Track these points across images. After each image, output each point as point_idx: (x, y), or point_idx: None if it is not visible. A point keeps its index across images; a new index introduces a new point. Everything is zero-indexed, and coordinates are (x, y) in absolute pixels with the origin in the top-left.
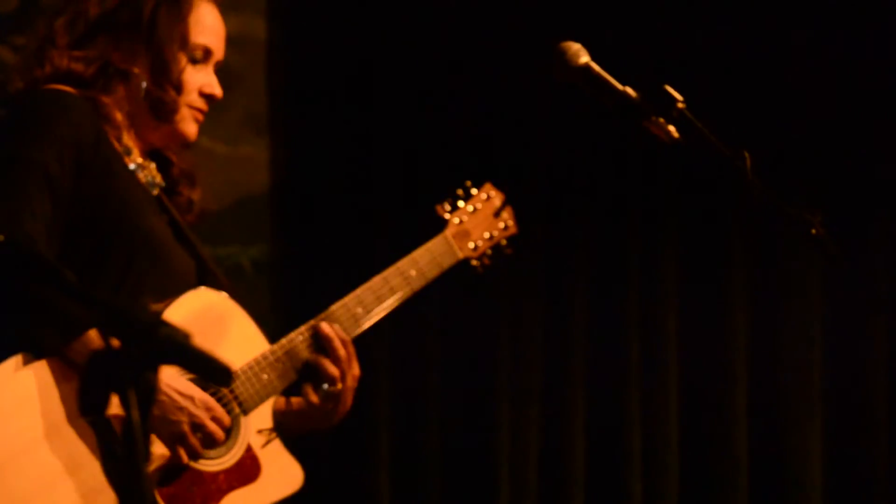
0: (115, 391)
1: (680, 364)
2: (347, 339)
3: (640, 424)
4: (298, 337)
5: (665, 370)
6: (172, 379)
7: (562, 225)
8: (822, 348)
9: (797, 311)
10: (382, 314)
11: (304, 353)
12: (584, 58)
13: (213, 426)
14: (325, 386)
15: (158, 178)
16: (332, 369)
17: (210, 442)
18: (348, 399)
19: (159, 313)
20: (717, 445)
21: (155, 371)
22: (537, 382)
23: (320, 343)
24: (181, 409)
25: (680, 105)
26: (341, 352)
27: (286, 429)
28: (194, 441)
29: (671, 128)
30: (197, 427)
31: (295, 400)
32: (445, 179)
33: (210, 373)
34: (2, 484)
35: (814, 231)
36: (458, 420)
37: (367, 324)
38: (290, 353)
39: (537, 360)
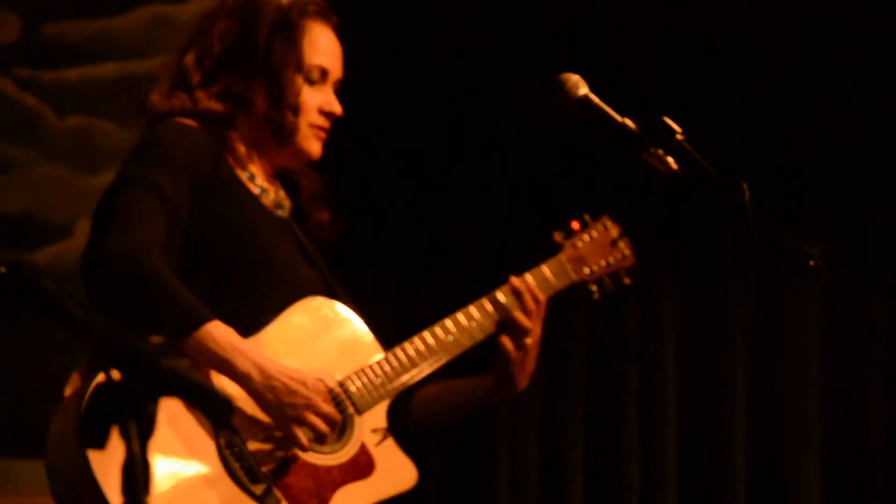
0: (116, 423)
1: (678, 396)
2: (541, 297)
3: (640, 456)
4: (442, 329)
5: (663, 402)
6: (283, 366)
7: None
8: (820, 377)
9: (795, 340)
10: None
11: (478, 329)
12: (583, 89)
13: (327, 408)
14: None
15: (286, 201)
16: (524, 321)
17: (328, 422)
18: (532, 362)
19: (160, 345)
20: (715, 462)
21: (155, 403)
22: (535, 416)
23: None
24: (294, 392)
25: (679, 136)
26: (531, 305)
27: (466, 411)
28: (313, 420)
29: (670, 159)
30: (312, 408)
31: (471, 380)
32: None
33: (211, 405)
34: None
35: (812, 263)
36: (458, 446)
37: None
38: (410, 357)
39: (536, 396)
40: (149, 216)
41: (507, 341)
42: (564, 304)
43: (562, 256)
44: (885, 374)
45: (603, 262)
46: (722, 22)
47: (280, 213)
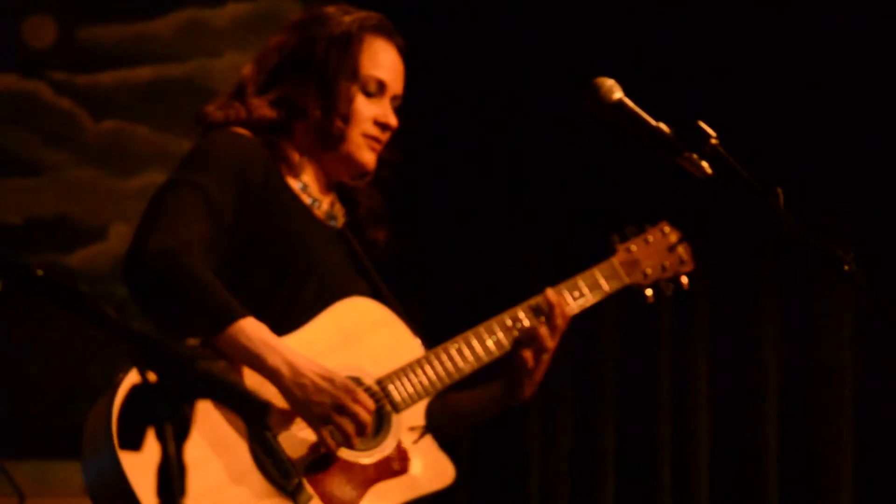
0: (151, 424)
1: (710, 397)
2: (569, 312)
3: (670, 460)
4: (478, 337)
5: (695, 403)
6: (314, 363)
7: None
8: (853, 378)
9: (828, 341)
10: None
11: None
12: (618, 93)
13: (356, 407)
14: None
15: (340, 213)
16: (546, 338)
17: (356, 423)
18: (543, 371)
19: (196, 348)
20: (748, 477)
21: (192, 405)
22: (568, 421)
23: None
24: (322, 390)
25: (713, 141)
26: (559, 321)
27: (480, 417)
28: (340, 421)
29: (704, 163)
30: (341, 409)
31: (477, 390)
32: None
33: (246, 407)
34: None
35: (846, 268)
36: (488, 448)
37: (500, 352)
38: (453, 354)
39: (568, 402)
40: (192, 217)
41: (527, 355)
42: (595, 307)
43: (614, 259)
44: None
45: (659, 267)
46: (758, 26)
47: (333, 223)
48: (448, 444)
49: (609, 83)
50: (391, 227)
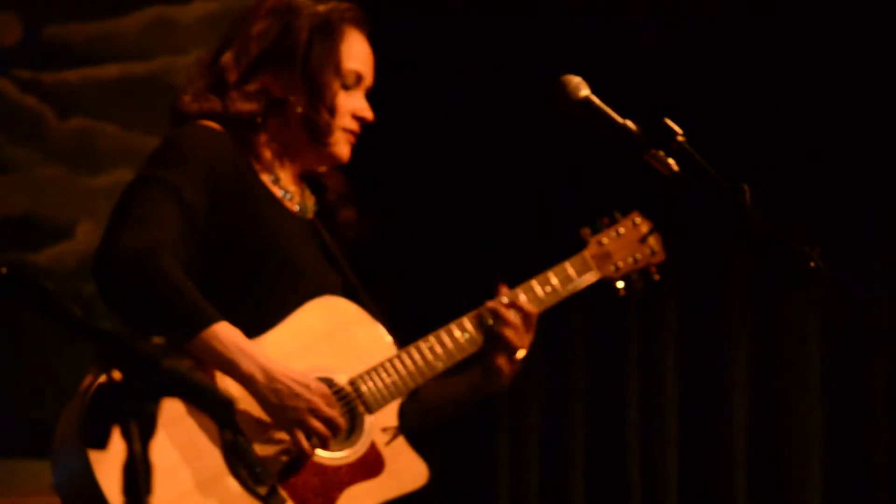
0: (117, 423)
1: (679, 396)
2: (530, 310)
3: (639, 458)
4: (445, 337)
5: (664, 402)
6: (287, 368)
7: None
8: (821, 378)
9: (797, 341)
10: None
11: (472, 341)
12: (585, 91)
13: (330, 411)
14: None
15: (311, 203)
16: (513, 338)
17: (330, 427)
18: (520, 363)
19: (161, 346)
20: (716, 472)
21: (157, 403)
22: (538, 417)
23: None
24: (297, 395)
25: (680, 138)
26: (514, 319)
27: (461, 407)
28: (315, 425)
29: (671, 161)
30: (315, 413)
31: (453, 381)
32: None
33: (211, 405)
34: None
35: (812, 264)
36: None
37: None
38: (426, 352)
39: (536, 400)
40: (163, 216)
41: (498, 355)
42: (564, 305)
43: (586, 253)
44: (888, 374)
45: (630, 259)
46: (723, 22)
47: (305, 215)
48: (420, 445)
49: (576, 80)
50: (359, 205)
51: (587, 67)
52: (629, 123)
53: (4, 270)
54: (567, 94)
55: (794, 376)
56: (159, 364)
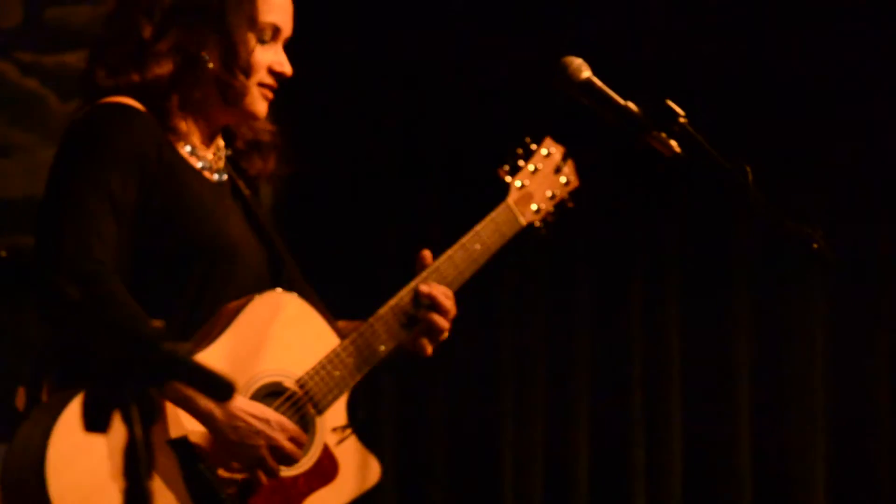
0: (117, 407)
1: (682, 383)
2: (450, 293)
3: (644, 444)
4: (384, 317)
5: (668, 389)
6: (247, 404)
7: (566, 244)
8: (825, 366)
9: (801, 331)
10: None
11: (401, 322)
12: (586, 73)
13: (290, 446)
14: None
15: (223, 157)
16: (440, 321)
17: (288, 461)
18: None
19: (161, 329)
20: (720, 459)
21: (159, 387)
22: (542, 400)
23: (425, 304)
24: (258, 432)
25: (682, 119)
26: (447, 304)
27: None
28: (272, 464)
29: (673, 142)
30: (274, 450)
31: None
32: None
33: (212, 388)
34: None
35: (815, 245)
36: (463, 432)
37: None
38: (367, 339)
39: (541, 380)
40: (102, 224)
41: (423, 340)
42: (566, 296)
43: (509, 200)
44: (891, 366)
45: (549, 194)
46: (727, 4)
47: (222, 178)
48: (371, 440)
49: (577, 62)
50: (279, 148)
51: (588, 49)
52: (631, 105)
53: (4, 254)
54: (568, 76)
55: (798, 365)
56: (159, 347)
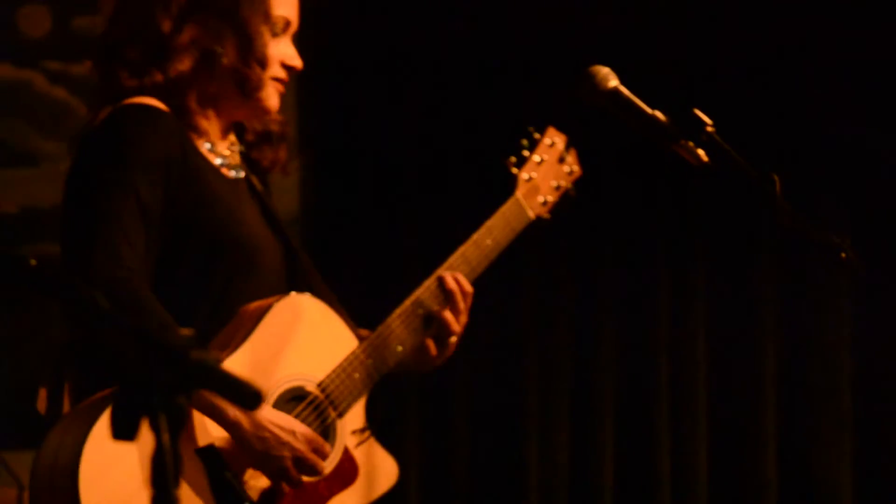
0: (146, 415)
1: (708, 385)
2: (469, 290)
3: (669, 446)
4: (399, 317)
5: (694, 391)
6: (273, 414)
7: (590, 247)
8: (851, 366)
9: (827, 330)
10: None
11: (419, 319)
12: (614, 82)
13: (314, 458)
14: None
15: (237, 158)
16: (452, 322)
17: (312, 472)
18: (454, 346)
19: (190, 337)
20: (746, 462)
21: (187, 395)
22: (565, 407)
23: (441, 298)
24: (284, 444)
25: (709, 128)
26: (461, 304)
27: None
28: (296, 475)
29: (700, 151)
30: (299, 461)
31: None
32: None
33: (240, 397)
34: None
35: (843, 255)
36: (487, 438)
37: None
38: (385, 339)
39: (565, 386)
40: (131, 230)
41: (431, 345)
42: (591, 297)
43: (518, 194)
44: None
45: (554, 184)
46: (754, 14)
47: (239, 174)
48: (389, 441)
49: (604, 71)
50: (290, 139)
51: (614, 58)
52: (658, 114)
53: (34, 262)
54: (595, 85)
55: (824, 364)
56: (188, 356)
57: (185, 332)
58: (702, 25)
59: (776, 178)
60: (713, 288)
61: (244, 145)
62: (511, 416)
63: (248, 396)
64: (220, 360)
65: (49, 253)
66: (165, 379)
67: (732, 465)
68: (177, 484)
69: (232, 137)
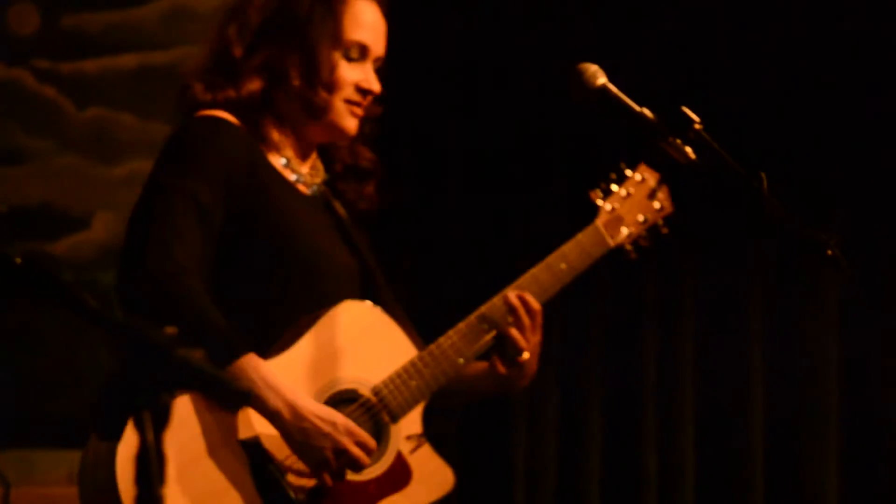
0: (130, 413)
1: (695, 383)
2: (536, 308)
3: (656, 448)
4: (460, 331)
5: (681, 389)
6: (315, 406)
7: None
8: (839, 368)
9: (813, 326)
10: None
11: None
12: (602, 79)
13: (356, 450)
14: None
15: (320, 173)
16: (519, 339)
17: (354, 466)
18: (534, 365)
19: (175, 336)
20: (734, 465)
21: (171, 393)
22: (553, 406)
23: (505, 314)
24: (325, 435)
25: (697, 126)
26: (526, 321)
27: (477, 392)
28: (340, 465)
29: (688, 149)
30: (340, 452)
31: (484, 365)
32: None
33: (227, 395)
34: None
35: (829, 252)
36: (474, 437)
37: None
38: (445, 351)
39: (552, 385)
40: (185, 231)
41: (497, 362)
42: (580, 292)
43: (598, 222)
44: None
45: (641, 218)
46: (742, 11)
47: (317, 192)
48: (444, 449)
49: (593, 68)
50: (378, 178)
51: (602, 55)
52: (646, 111)
53: (19, 260)
54: (584, 83)
55: (812, 373)
56: (173, 354)
57: (170, 330)
58: (691, 22)
59: (763, 175)
60: (700, 285)
61: (331, 174)
62: (499, 414)
63: (235, 395)
64: (206, 358)
65: (37, 251)
66: (150, 376)
67: (719, 463)
68: (161, 482)
69: (315, 160)
